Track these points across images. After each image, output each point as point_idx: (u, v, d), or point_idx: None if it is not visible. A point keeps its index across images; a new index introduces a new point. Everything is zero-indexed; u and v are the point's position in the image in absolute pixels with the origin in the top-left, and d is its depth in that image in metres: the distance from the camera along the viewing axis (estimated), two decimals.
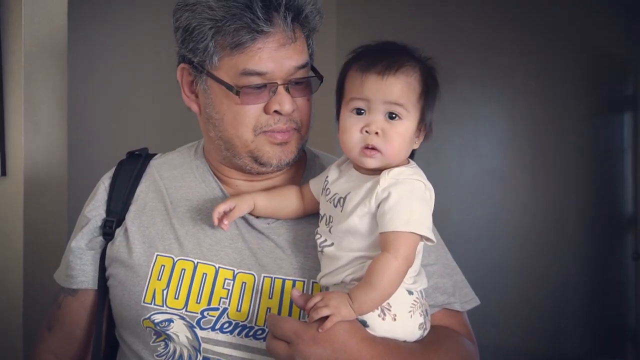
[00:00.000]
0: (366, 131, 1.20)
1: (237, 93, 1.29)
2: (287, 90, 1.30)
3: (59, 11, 2.09)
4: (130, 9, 2.79)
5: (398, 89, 1.20)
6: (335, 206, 1.25)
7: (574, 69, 4.49)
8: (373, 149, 1.20)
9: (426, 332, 1.25)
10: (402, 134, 1.21)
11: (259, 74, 1.28)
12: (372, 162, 1.21)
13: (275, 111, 1.30)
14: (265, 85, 1.30)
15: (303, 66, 1.33)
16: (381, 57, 1.21)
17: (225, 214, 1.32)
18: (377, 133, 1.20)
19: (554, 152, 4.29)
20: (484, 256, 3.60)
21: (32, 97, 2.01)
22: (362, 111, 1.21)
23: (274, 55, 1.28)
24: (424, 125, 1.25)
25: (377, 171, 1.22)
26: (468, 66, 3.47)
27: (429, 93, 1.24)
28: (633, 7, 5.10)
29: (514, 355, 3.87)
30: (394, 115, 1.20)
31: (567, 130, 4.44)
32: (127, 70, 2.80)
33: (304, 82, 1.34)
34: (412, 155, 1.27)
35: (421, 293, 1.25)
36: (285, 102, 1.30)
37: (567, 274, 4.44)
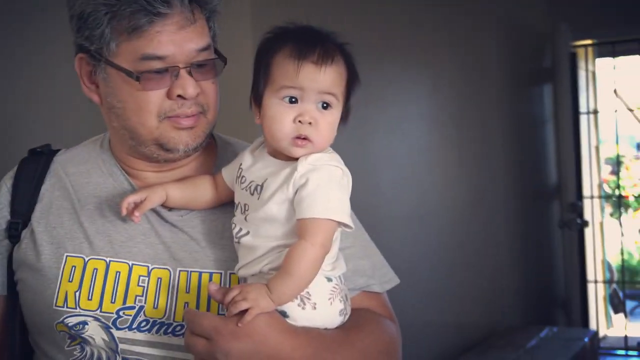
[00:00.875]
0: (299, 121, 1.17)
1: (138, 79, 1.24)
2: (190, 73, 1.26)
3: None
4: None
5: (332, 78, 1.18)
6: (252, 194, 1.22)
7: (493, 42, 4.54)
8: (305, 139, 1.18)
9: (347, 317, 1.23)
10: (331, 123, 1.20)
11: (159, 58, 1.24)
12: (301, 152, 1.18)
13: (179, 96, 1.26)
14: (166, 70, 1.25)
15: (205, 48, 1.28)
16: (314, 44, 1.18)
17: (136, 205, 1.27)
18: (310, 123, 1.17)
19: (478, 126, 4.33)
20: (414, 234, 3.62)
21: None
22: (294, 100, 1.18)
23: (174, 38, 1.24)
24: (346, 113, 1.24)
25: (295, 157, 1.19)
26: (389, 45, 3.46)
27: (353, 80, 1.23)
28: None
29: (446, 330, 3.92)
30: (325, 105, 1.19)
31: (489, 104, 4.50)
32: (30, 66, 2.70)
33: (208, 65, 1.29)
34: None
35: (340, 279, 1.24)
36: (188, 85, 1.25)
37: (496, 246, 4.51)
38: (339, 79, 1.20)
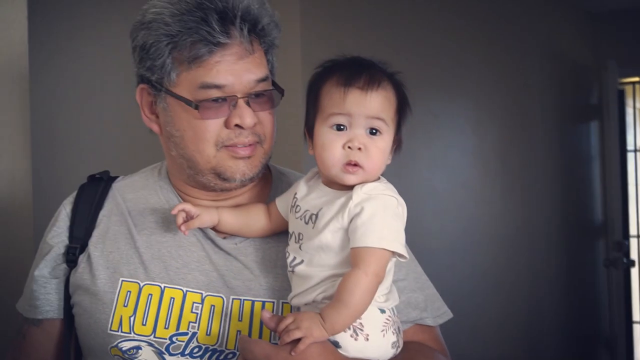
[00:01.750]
0: (349, 147, 1.18)
1: (196, 107, 1.27)
2: (248, 103, 1.28)
3: (19, 36, 2.06)
4: (93, 31, 2.76)
5: (379, 103, 1.19)
6: (307, 223, 1.22)
7: (540, 78, 4.52)
8: (355, 165, 1.18)
9: (399, 349, 1.23)
10: (382, 149, 1.20)
11: (217, 87, 1.26)
12: (353, 179, 1.19)
13: (237, 125, 1.28)
14: (225, 99, 1.27)
15: (263, 79, 1.31)
16: (360, 72, 1.20)
17: (188, 217, 1.29)
18: (359, 149, 1.18)
19: (523, 162, 4.31)
20: (457, 267, 3.60)
21: None
22: (343, 127, 1.20)
23: (233, 67, 1.27)
24: (397, 141, 1.24)
25: (349, 187, 1.20)
26: (434, 79, 3.47)
27: (403, 107, 1.24)
28: (597, 16, 5.17)
29: None
30: (374, 131, 1.20)
31: (535, 139, 4.47)
32: (92, 93, 2.77)
33: (265, 96, 1.32)
34: None
35: (393, 310, 1.23)
36: (246, 115, 1.28)
37: (540, 283, 4.45)
38: (387, 104, 1.21)
